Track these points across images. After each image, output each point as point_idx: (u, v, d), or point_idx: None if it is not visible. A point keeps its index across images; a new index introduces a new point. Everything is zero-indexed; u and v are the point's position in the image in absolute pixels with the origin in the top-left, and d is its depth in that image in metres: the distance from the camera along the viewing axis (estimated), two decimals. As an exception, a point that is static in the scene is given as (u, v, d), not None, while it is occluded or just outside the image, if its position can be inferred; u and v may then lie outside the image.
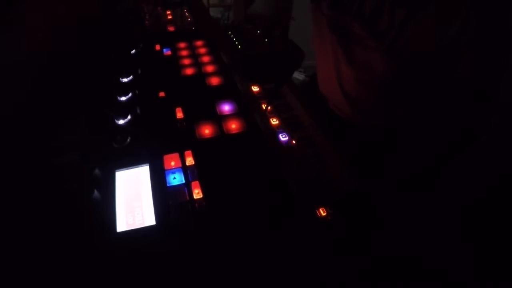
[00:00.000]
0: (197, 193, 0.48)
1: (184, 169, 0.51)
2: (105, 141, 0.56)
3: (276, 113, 0.66)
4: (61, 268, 0.39)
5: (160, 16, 1.07)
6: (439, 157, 0.70)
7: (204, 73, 0.76)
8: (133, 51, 0.82)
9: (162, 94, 0.67)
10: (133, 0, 1.03)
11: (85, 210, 0.45)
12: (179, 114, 0.62)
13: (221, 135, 0.58)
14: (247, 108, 0.64)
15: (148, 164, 0.52)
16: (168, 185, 0.49)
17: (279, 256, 0.42)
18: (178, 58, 0.81)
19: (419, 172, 0.72)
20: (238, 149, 0.56)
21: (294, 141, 0.59)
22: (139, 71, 0.75)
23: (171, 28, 0.99)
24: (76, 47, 0.75)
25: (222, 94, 0.68)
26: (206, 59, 0.81)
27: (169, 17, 1.07)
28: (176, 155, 0.53)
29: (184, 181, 0.49)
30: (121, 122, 0.60)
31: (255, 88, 0.73)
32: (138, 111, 0.63)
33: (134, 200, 0.47)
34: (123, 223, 0.44)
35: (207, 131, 0.59)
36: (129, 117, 0.61)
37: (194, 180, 0.49)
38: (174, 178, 0.50)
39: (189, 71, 0.76)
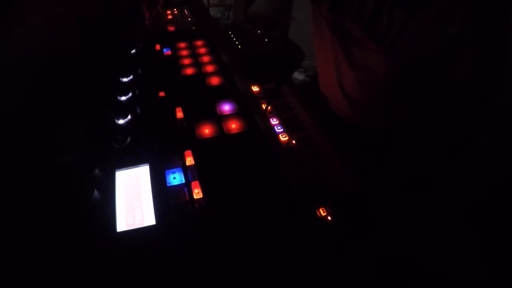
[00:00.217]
0: (197, 193, 0.48)
1: (184, 169, 0.51)
2: (105, 141, 0.56)
3: (276, 113, 0.66)
4: (61, 268, 0.39)
5: (160, 16, 1.07)
6: (439, 157, 0.70)
7: (204, 73, 0.76)
8: (133, 51, 0.82)
9: (162, 94, 0.67)
10: (133, 1, 1.03)
11: (85, 210, 0.45)
12: (179, 114, 0.62)
13: (221, 135, 0.58)
14: (247, 108, 0.64)
15: (148, 164, 0.52)
16: (168, 185, 0.49)
17: (279, 256, 0.42)
18: (178, 58, 0.81)
19: (419, 173, 0.72)
20: (238, 149, 0.56)
21: (294, 141, 0.59)
22: (139, 71, 0.75)
23: (171, 28, 0.99)
24: (76, 47, 0.75)
25: (222, 94, 0.68)
26: (206, 59, 0.81)
27: (169, 17, 1.07)
28: (176, 155, 0.53)
29: (184, 181, 0.49)
30: (121, 122, 0.60)
31: (255, 88, 0.73)
32: (138, 111, 0.63)
33: (134, 200, 0.47)
34: (123, 223, 0.44)
35: (207, 131, 0.59)
36: (129, 117, 0.61)
37: (194, 180, 0.49)
38: (174, 178, 0.50)
39: (189, 71, 0.76)
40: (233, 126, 0.60)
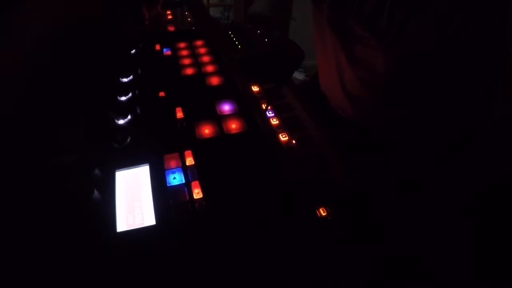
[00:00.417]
0: (197, 193, 0.48)
1: (184, 169, 0.51)
2: (105, 141, 0.56)
3: (276, 113, 0.66)
4: (61, 268, 0.39)
5: (160, 16, 1.07)
6: (439, 157, 0.70)
7: (204, 73, 0.76)
8: (133, 51, 0.82)
9: (162, 94, 0.67)
10: (133, 1, 1.03)
11: (85, 210, 0.45)
12: (179, 114, 0.62)
13: (221, 135, 0.58)
14: (247, 108, 0.64)
15: (148, 164, 0.52)
16: (168, 185, 0.49)
17: (279, 256, 0.42)
18: (178, 58, 0.81)
19: (419, 172, 0.72)
20: (238, 149, 0.56)
21: (294, 141, 0.59)
22: (139, 71, 0.75)
23: (171, 28, 0.99)
24: (76, 47, 0.75)
25: (222, 94, 0.68)
26: (206, 59, 0.81)
27: (169, 17, 1.07)
28: (176, 155, 0.53)
29: (184, 181, 0.49)
30: (121, 122, 0.60)
31: (255, 88, 0.73)
32: (138, 111, 0.63)
33: (134, 200, 0.47)
34: (123, 223, 0.44)
35: (207, 131, 0.59)
36: (129, 117, 0.61)
37: (194, 180, 0.49)
38: (174, 178, 0.50)
39: (189, 71, 0.76)
40: (233, 126, 0.60)
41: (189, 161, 0.52)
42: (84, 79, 0.69)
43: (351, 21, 0.72)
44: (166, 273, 0.40)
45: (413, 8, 0.61)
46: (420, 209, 0.65)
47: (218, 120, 0.61)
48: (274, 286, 0.40)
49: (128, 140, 0.56)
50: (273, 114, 0.63)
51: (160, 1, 1.07)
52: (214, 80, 0.73)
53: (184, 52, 0.83)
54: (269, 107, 0.65)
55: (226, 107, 0.64)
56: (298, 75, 2.24)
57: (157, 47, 0.85)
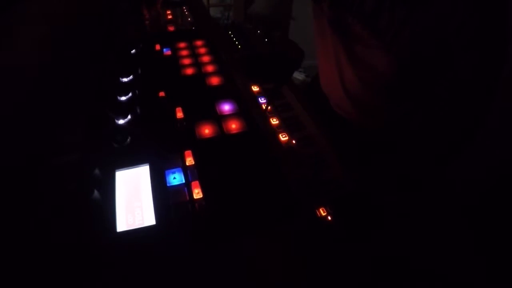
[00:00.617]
0: (197, 193, 0.48)
1: (184, 169, 0.51)
2: (105, 141, 0.56)
3: (276, 113, 0.66)
4: (61, 268, 0.39)
5: (160, 16, 1.07)
6: (439, 157, 0.70)
7: (204, 73, 0.76)
8: (133, 51, 0.82)
9: (162, 94, 0.67)
10: (133, 0, 1.03)
11: (85, 210, 0.45)
12: (179, 114, 0.62)
13: (221, 135, 0.58)
14: (247, 108, 0.64)
15: (148, 164, 0.52)
16: (168, 185, 0.49)
17: (279, 256, 0.42)
18: (178, 58, 0.81)
19: (419, 172, 0.72)
20: (238, 149, 0.56)
21: (294, 141, 0.59)
22: (139, 71, 0.75)
23: (171, 28, 0.99)
24: (76, 47, 0.75)
25: (222, 94, 0.68)
26: (206, 59, 0.81)
27: (169, 17, 1.07)
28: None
29: (184, 181, 0.49)
30: (121, 122, 0.60)
31: (255, 88, 0.73)
32: (138, 111, 0.63)
33: (134, 200, 0.47)
34: (123, 223, 0.44)
35: (207, 131, 0.59)
36: (129, 117, 0.61)
37: (194, 180, 0.49)
38: (174, 178, 0.50)
39: (189, 71, 0.76)
40: (233, 126, 0.60)
41: (189, 161, 0.52)
42: (84, 79, 0.69)
43: (352, 20, 0.72)
44: (166, 273, 0.40)
45: (413, 7, 0.61)
46: (419, 209, 0.65)
47: (218, 120, 0.61)
48: (274, 286, 0.40)
49: (128, 140, 0.56)
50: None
51: (159, 1, 1.07)
52: (214, 80, 0.73)
53: (184, 52, 0.83)
54: (269, 107, 0.65)
55: (226, 107, 0.64)
56: (298, 75, 2.24)
57: (157, 47, 0.85)
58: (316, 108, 0.70)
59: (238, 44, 0.94)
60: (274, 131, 0.61)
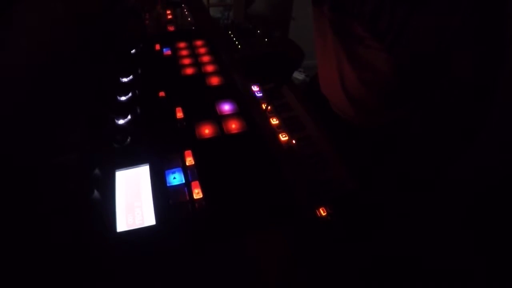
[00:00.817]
0: (197, 193, 0.48)
1: (184, 169, 0.51)
2: (105, 141, 0.56)
3: (276, 113, 0.66)
4: (61, 268, 0.39)
5: (160, 16, 1.07)
6: (439, 157, 0.70)
7: (204, 73, 0.76)
8: (133, 51, 0.82)
9: (162, 94, 0.67)
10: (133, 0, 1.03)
11: (85, 210, 0.45)
12: (179, 114, 0.62)
13: (221, 135, 0.58)
14: (247, 108, 0.64)
15: (148, 164, 0.52)
16: (168, 185, 0.49)
17: (279, 256, 0.42)
18: (178, 58, 0.81)
19: (419, 172, 0.72)
20: (238, 149, 0.56)
21: (294, 141, 0.59)
22: (139, 71, 0.75)
23: (171, 28, 0.99)
24: (76, 47, 0.75)
25: (222, 94, 0.68)
26: (206, 59, 0.81)
27: (169, 17, 1.07)
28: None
29: (184, 181, 0.49)
30: (121, 122, 0.60)
31: (255, 88, 0.73)
32: (138, 111, 0.63)
33: (134, 200, 0.47)
34: (123, 223, 0.44)
35: (207, 131, 0.59)
36: (129, 117, 0.61)
37: (194, 180, 0.49)
38: (174, 178, 0.50)
39: (189, 71, 0.76)
40: (233, 126, 0.60)
41: (189, 161, 0.52)
42: (84, 79, 0.69)
43: (352, 22, 0.72)
44: (166, 273, 0.40)
45: (413, 8, 0.61)
46: (420, 208, 0.65)
47: (218, 120, 0.61)
48: (274, 286, 0.40)
49: (128, 140, 0.56)
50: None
51: (159, 1, 1.07)
52: (214, 80, 0.73)
53: (184, 52, 0.83)
54: (269, 107, 0.65)
55: (226, 107, 0.64)
56: (298, 75, 2.24)
57: (157, 47, 0.85)
58: (316, 108, 0.70)
59: (238, 44, 0.95)
60: (274, 131, 0.61)
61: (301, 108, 0.68)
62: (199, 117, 0.62)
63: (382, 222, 0.47)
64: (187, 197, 0.47)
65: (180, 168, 0.51)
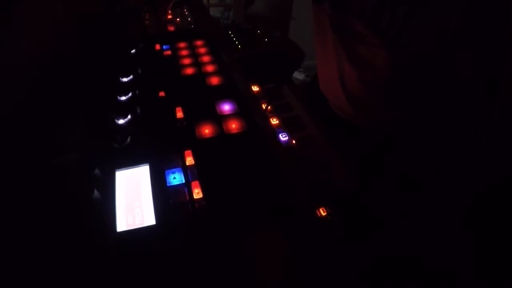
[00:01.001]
0: (197, 193, 0.48)
1: (184, 169, 0.51)
2: (105, 141, 0.56)
3: (276, 113, 0.66)
4: (61, 268, 0.39)
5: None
6: (439, 157, 0.70)
7: (204, 73, 0.76)
8: (133, 51, 0.82)
9: (162, 94, 0.67)
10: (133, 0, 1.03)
11: (85, 210, 0.45)
12: (179, 114, 0.62)
13: (221, 135, 0.58)
14: (247, 108, 0.64)
15: (148, 164, 0.52)
16: (168, 185, 0.49)
17: (279, 256, 0.42)
18: (178, 58, 0.81)
19: (419, 172, 0.72)
20: (238, 149, 0.56)
21: (294, 141, 0.59)
22: (139, 71, 0.75)
23: (171, 28, 0.99)
24: (76, 47, 0.75)
25: (222, 94, 0.68)
26: (206, 59, 0.81)
27: (169, 17, 1.07)
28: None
29: (184, 181, 0.49)
30: (121, 122, 0.60)
31: (255, 88, 0.73)
32: (138, 111, 0.63)
33: (134, 200, 0.47)
34: (123, 223, 0.44)
35: (207, 131, 0.59)
36: (129, 117, 0.61)
37: (194, 180, 0.49)
38: (174, 178, 0.50)
39: (189, 71, 0.76)
40: (233, 126, 0.60)
41: (189, 161, 0.52)
42: (84, 79, 0.69)
43: (353, 20, 0.72)
44: (166, 273, 0.40)
45: (414, 6, 0.61)
46: (420, 209, 0.65)
47: (218, 120, 0.61)
48: (274, 286, 0.40)
49: (128, 140, 0.56)
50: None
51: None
52: (214, 80, 0.73)
53: (184, 52, 0.83)
54: (269, 107, 0.66)
55: (226, 107, 0.64)
56: (298, 75, 2.24)
57: (157, 46, 0.85)
58: (316, 108, 0.70)
59: (238, 44, 0.95)
60: (274, 131, 0.61)
61: (301, 108, 0.68)
62: (199, 117, 0.62)
63: (382, 222, 0.47)
64: (187, 197, 0.47)
65: (180, 168, 0.51)
